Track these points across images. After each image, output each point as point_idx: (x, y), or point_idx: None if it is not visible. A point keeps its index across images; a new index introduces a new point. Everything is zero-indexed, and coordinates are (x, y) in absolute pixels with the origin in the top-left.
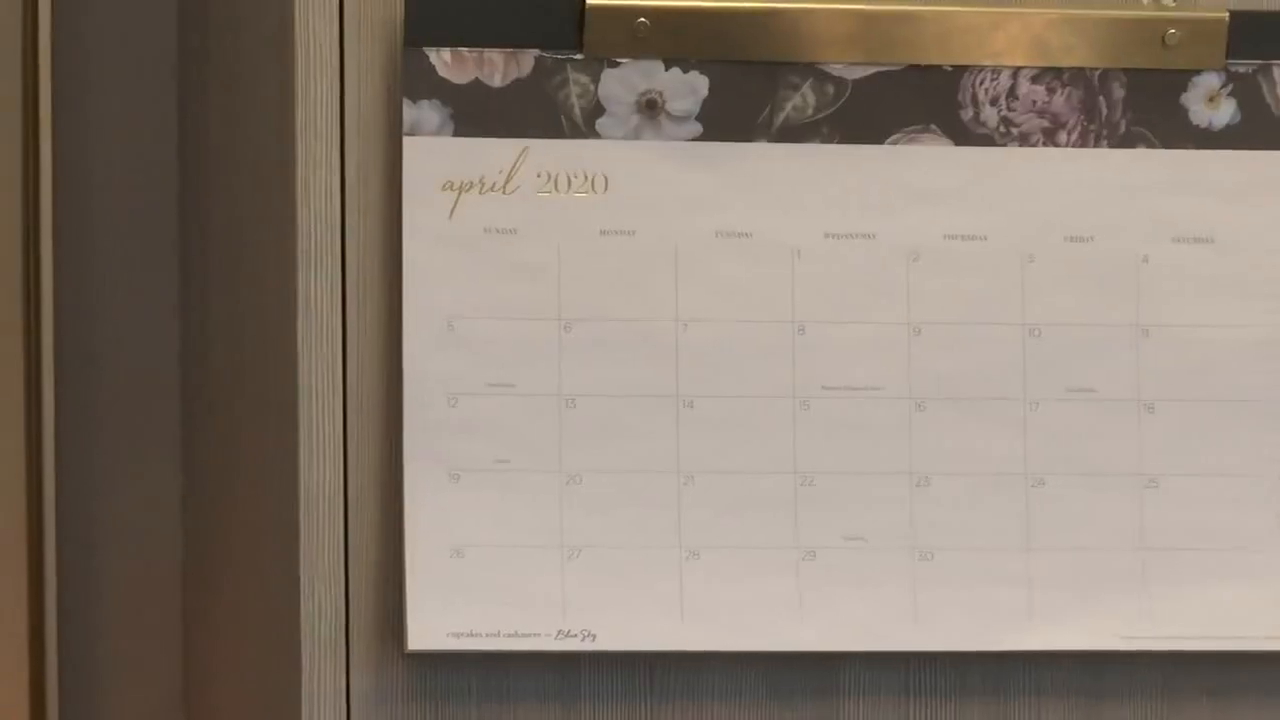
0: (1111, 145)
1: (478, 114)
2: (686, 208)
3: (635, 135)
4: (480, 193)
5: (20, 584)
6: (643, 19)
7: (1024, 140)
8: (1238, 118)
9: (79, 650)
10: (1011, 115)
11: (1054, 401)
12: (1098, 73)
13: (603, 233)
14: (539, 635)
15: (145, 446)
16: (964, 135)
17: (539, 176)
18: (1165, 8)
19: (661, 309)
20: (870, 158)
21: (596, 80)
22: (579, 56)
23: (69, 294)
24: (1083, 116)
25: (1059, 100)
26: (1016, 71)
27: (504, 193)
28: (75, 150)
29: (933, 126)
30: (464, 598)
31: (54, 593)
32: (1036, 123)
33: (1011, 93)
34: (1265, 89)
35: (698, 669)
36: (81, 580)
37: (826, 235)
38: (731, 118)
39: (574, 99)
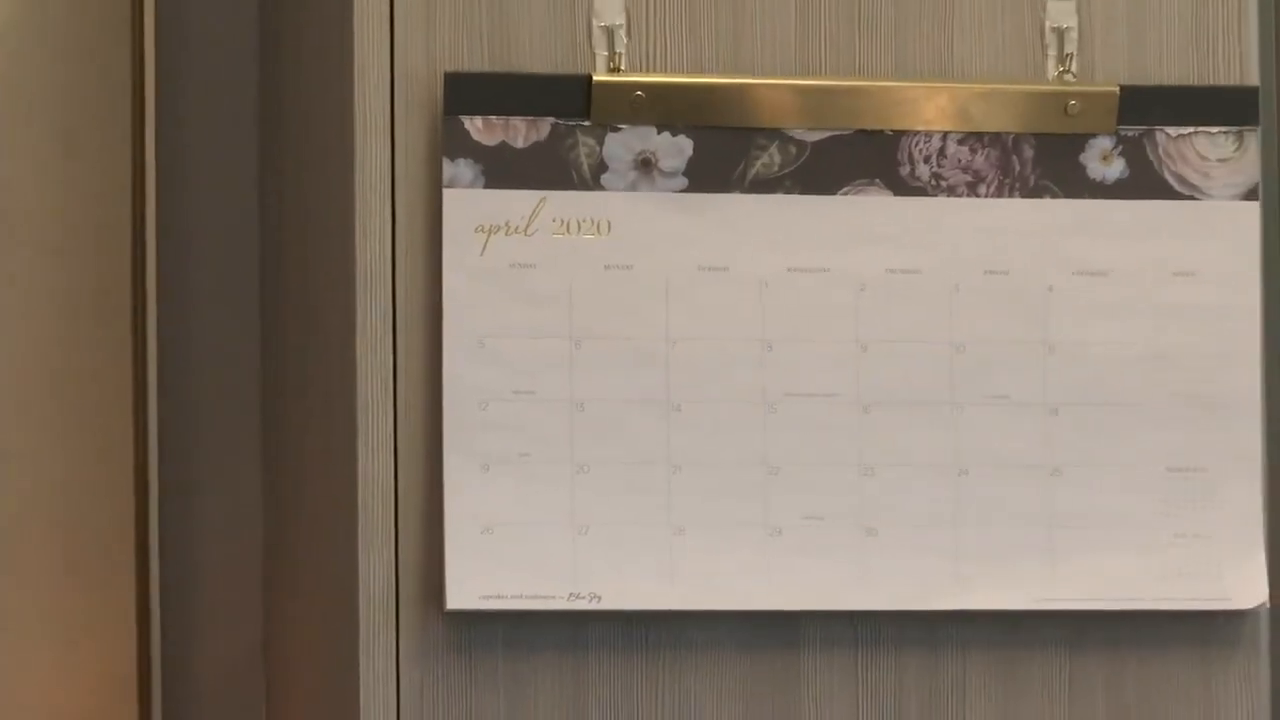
0: (1023, 196)
1: (504, 170)
2: (675, 246)
3: (633, 187)
4: (506, 235)
5: (129, 553)
6: (639, 92)
7: (951, 192)
8: (1126, 173)
9: (179, 607)
10: (941, 171)
11: (976, 405)
12: (1011, 136)
13: (606, 267)
14: (554, 597)
15: (234, 443)
16: (902, 187)
17: (554, 221)
18: (1067, 83)
19: (654, 329)
20: (825, 206)
21: (601, 143)
22: (587, 123)
23: (170, 322)
24: (999, 172)
25: (980, 159)
26: (945, 135)
27: (525, 235)
28: (175, 199)
29: (876, 180)
30: (493, 567)
31: (157, 561)
32: (961, 177)
33: (941, 153)
34: (1149, 149)
35: (684, 625)
36: (181, 553)
37: (789, 269)
38: (712, 173)
39: (583, 158)
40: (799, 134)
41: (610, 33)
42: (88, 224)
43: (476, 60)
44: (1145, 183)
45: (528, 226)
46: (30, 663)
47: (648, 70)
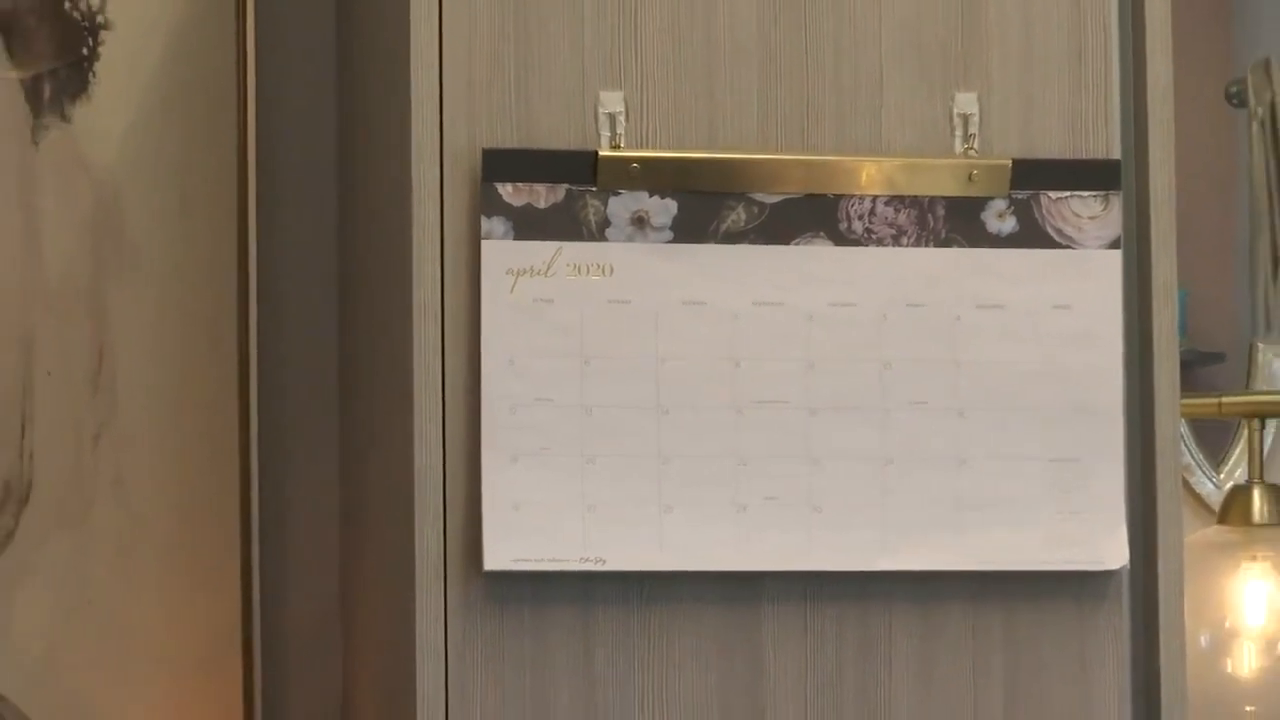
0: (936, 245)
1: (529, 226)
2: (663, 286)
3: (630, 239)
4: (531, 276)
5: (234, 525)
6: (635, 165)
7: (880, 242)
8: (1017, 228)
9: (273, 569)
10: (872, 226)
11: (900, 410)
12: (927, 199)
13: (609, 301)
14: (568, 560)
15: (317, 439)
16: (841, 239)
17: (568, 266)
18: (970, 157)
19: (647, 351)
20: (780, 253)
21: (605, 204)
22: (594, 189)
23: (268, 342)
24: (917, 227)
25: (902, 217)
26: (875, 198)
27: (546, 276)
28: (271, 246)
29: (821, 233)
30: (520, 536)
31: (256, 533)
32: (888, 231)
33: (872, 212)
34: (1034, 209)
35: (670, 582)
36: (275, 526)
37: (754, 303)
38: (692, 228)
39: (591, 216)
40: (760, 197)
41: (612, 118)
42: (200, 267)
43: (508, 139)
44: (1031, 235)
45: (548, 270)
46: (153, 617)
47: (641, 147)
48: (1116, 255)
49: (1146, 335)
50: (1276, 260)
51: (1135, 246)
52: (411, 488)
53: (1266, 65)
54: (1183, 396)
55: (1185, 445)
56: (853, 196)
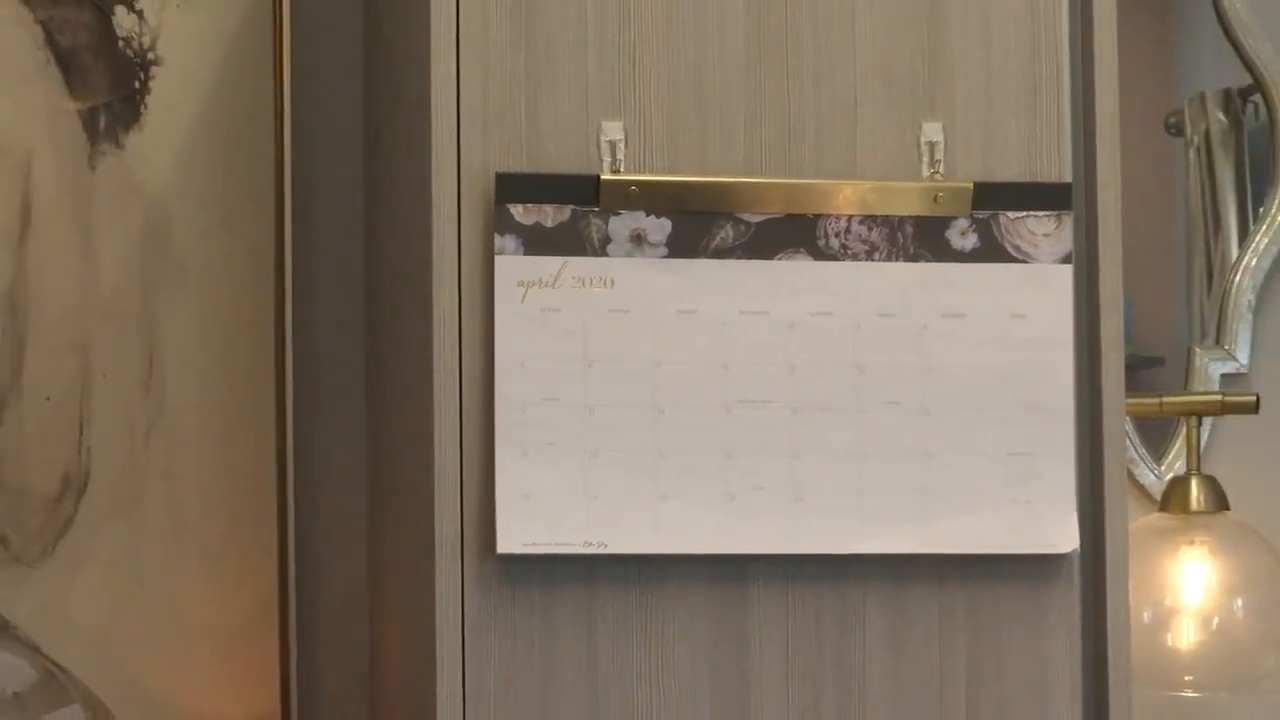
0: (905, 260)
1: (538, 243)
2: (659, 297)
3: (629, 255)
4: (539, 288)
5: (272, 509)
6: (633, 187)
7: (855, 257)
8: (979, 244)
9: (308, 549)
10: (847, 243)
11: (873, 410)
12: (897, 218)
13: (610, 311)
14: (573, 544)
15: (347, 433)
16: (820, 254)
17: (573, 279)
18: (936, 181)
19: (645, 356)
20: (765, 268)
21: (607, 223)
22: (596, 209)
23: (301, 344)
24: (888, 244)
25: (874, 234)
26: (850, 218)
27: (553, 288)
28: (305, 260)
29: (801, 249)
30: (530, 523)
31: (293, 515)
32: (862, 247)
33: (847, 230)
34: (994, 227)
35: (665, 564)
36: (309, 509)
37: (740, 312)
38: (685, 244)
39: (593, 234)
40: (746, 216)
41: (613, 145)
42: (241, 279)
43: (519, 164)
44: (991, 251)
45: (555, 282)
46: (198, 595)
47: (639, 171)
48: (1068, 269)
49: (1095, 341)
50: (1210, 274)
51: (1084, 261)
52: (431, 479)
53: (1202, 99)
54: (1127, 396)
55: (1130, 440)
56: (830, 216)
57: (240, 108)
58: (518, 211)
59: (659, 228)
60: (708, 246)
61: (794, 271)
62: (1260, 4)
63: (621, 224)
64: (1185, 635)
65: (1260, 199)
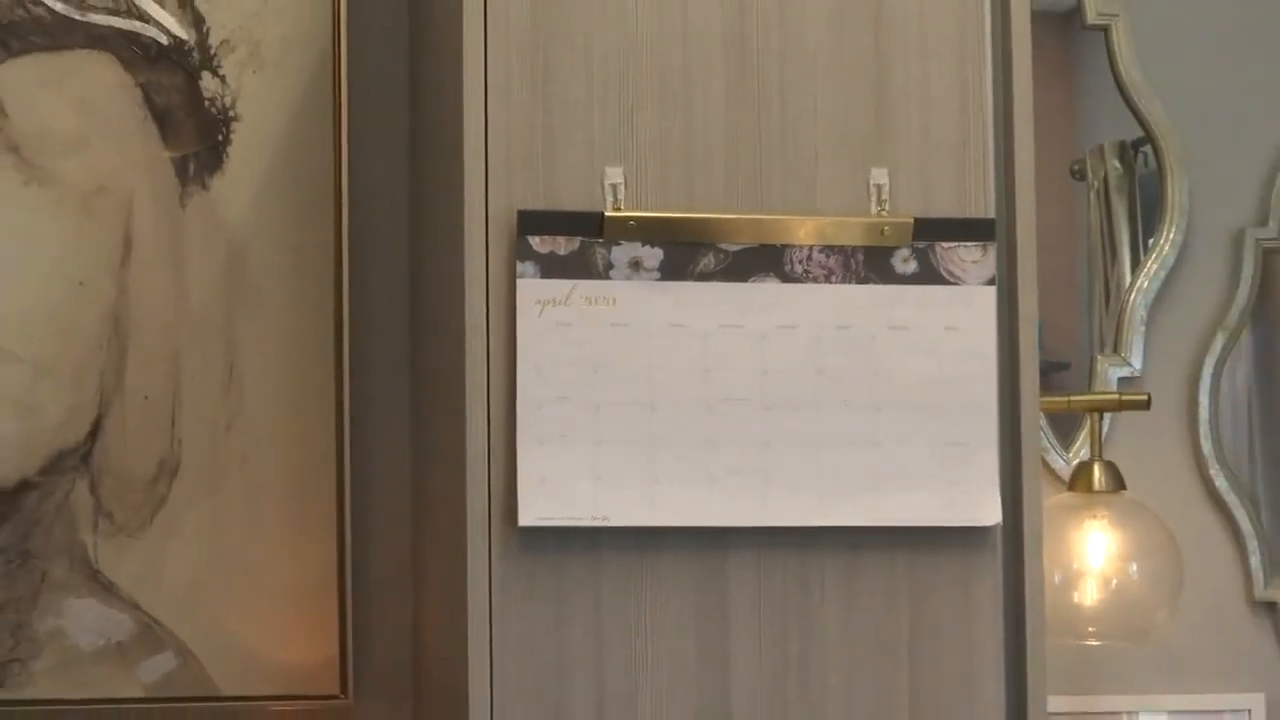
0: (857, 283)
1: (552, 268)
2: (653, 313)
3: (628, 278)
4: (554, 306)
5: (332, 487)
6: (632, 222)
7: (815, 280)
8: (918, 270)
9: (362, 522)
10: (809, 268)
11: (830, 407)
12: (850, 248)
13: (613, 325)
14: (581, 518)
15: (394, 423)
16: (787, 278)
17: (582, 298)
18: (882, 217)
19: (641, 362)
20: (741, 289)
21: (610, 251)
22: (601, 240)
23: (357, 347)
24: (843, 269)
25: (832, 261)
26: (811, 247)
27: (565, 306)
28: (360, 278)
29: (771, 274)
30: (546, 500)
31: (349, 496)
32: (821, 271)
33: (809, 257)
34: (931, 255)
35: (659, 535)
36: (363, 489)
37: (720, 326)
38: (674, 269)
39: (599, 260)
40: (725, 246)
41: (615, 187)
42: (306, 301)
43: (537, 202)
44: (928, 275)
45: (566, 301)
46: (269, 561)
47: (637, 209)
48: (992, 290)
49: (1014, 350)
50: (1108, 295)
51: (1005, 284)
52: (464, 464)
53: (1101, 149)
54: (1041, 396)
55: (1043, 432)
56: (794, 246)
57: (306, 156)
58: (536, 242)
59: (653, 256)
60: (693, 271)
61: (764, 292)
62: (1150, 69)
63: (622, 253)
64: (1089, 594)
65: (1150, 233)
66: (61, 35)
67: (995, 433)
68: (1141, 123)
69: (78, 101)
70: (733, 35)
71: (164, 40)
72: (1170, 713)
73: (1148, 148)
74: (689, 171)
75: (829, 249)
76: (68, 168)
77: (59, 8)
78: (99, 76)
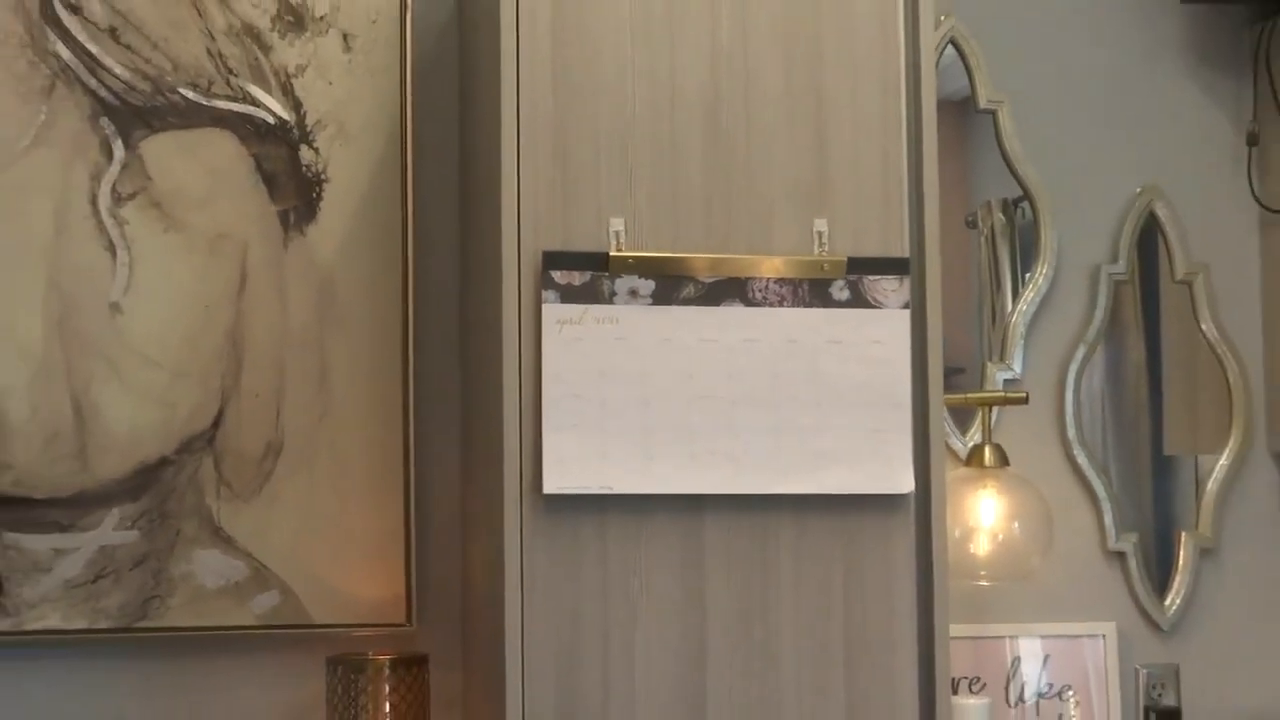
0: (803, 307)
1: (569, 295)
2: (647, 330)
3: (628, 303)
4: (571, 325)
5: (399, 469)
6: (630, 260)
7: (771, 305)
8: (850, 297)
9: (423, 494)
10: (766, 295)
11: (784, 403)
12: (798, 280)
13: (615, 339)
14: (591, 487)
15: (447, 414)
16: (750, 303)
17: (594, 319)
18: (822, 256)
19: (638, 368)
20: (714, 311)
21: (613, 282)
22: (606, 274)
23: (422, 357)
24: (792, 296)
25: (784, 290)
26: (768, 280)
27: (579, 325)
28: (424, 307)
29: (737, 300)
30: (565, 473)
31: (414, 472)
32: (776, 298)
33: (767, 287)
34: (860, 286)
35: (652, 500)
36: (425, 467)
37: (699, 340)
38: (664, 296)
39: (605, 289)
40: (702, 278)
41: (617, 233)
42: (381, 320)
43: (558, 244)
44: (859, 301)
45: (580, 320)
46: (352, 523)
47: (634, 250)
48: (906, 313)
49: (923, 359)
50: (994, 317)
51: (917, 308)
52: (502, 446)
53: (989, 205)
54: (945, 394)
55: (946, 421)
56: (755, 278)
57: (380, 209)
58: (556, 275)
59: (646, 286)
60: (678, 297)
61: (732, 314)
62: (1026, 142)
63: (623, 283)
64: (981, 545)
65: (1026, 269)
66: (193, 117)
67: (909, 422)
68: (1020, 184)
69: (205, 168)
70: (708, 114)
71: (271, 121)
72: (1043, 637)
73: (1025, 203)
74: (674, 221)
75: (782, 281)
76: (197, 219)
77: (191, 95)
78: (221, 148)
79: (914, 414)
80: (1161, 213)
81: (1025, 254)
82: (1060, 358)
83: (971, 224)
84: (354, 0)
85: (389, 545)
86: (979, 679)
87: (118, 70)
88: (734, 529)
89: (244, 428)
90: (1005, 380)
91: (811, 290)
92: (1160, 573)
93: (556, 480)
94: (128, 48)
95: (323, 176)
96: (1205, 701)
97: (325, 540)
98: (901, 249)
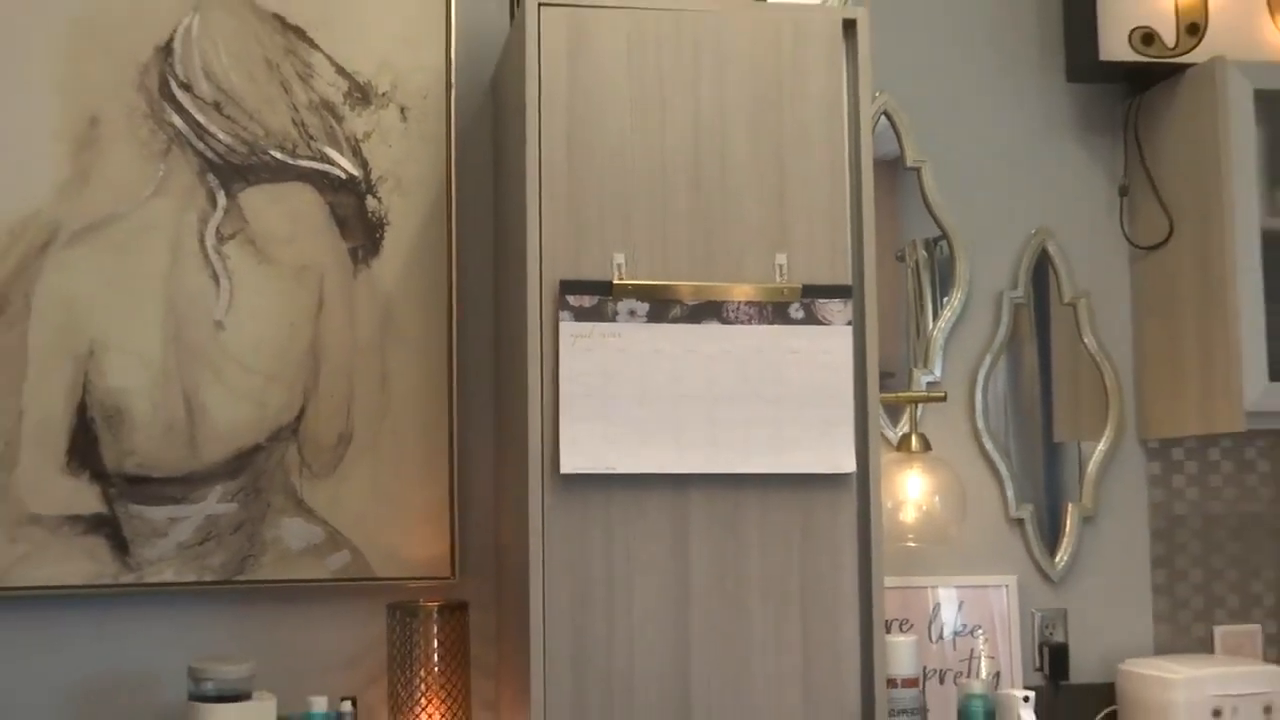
0: (767, 324)
1: (581, 315)
2: (643, 342)
3: (628, 321)
4: (582, 338)
5: (445, 451)
6: (629, 287)
7: (742, 322)
8: (804, 316)
9: (465, 472)
10: (739, 315)
11: (753, 400)
12: (763, 302)
13: (618, 350)
14: (599, 467)
15: (483, 412)
16: (725, 321)
17: (600, 334)
18: (782, 284)
19: (635, 373)
20: (696, 328)
21: (616, 305)
22: (610, 297)
23: (463, 363)
24: (759, 316)
25: (752, 311)
26: (740, 302)
27: (589, 339)
28: (465, 328)
29: (715, 319)
30: (578, 456)
31: (457, 455)
32: (746, 317)
33: (738, 308)
34: (813, 307)
35: (646, 478)
36: (466, 451)
37: (685, 350)
38: (656, 316)
39: (609, 310)
40: (687, 301)
41: (619, 265)
42: (431, 335)
43: (571, 274)
44: (811, 319)
45: (590, 335)
46: (406, 495)
47: (632, 279)
48: (849, 329)
49: (862, 366)
50: (919, 332)
51: (857, 326)
52: (527, 434)
53: (914, 242)
54: (880, 394)
55: (880, 415)
56: (730, 302)
57: (430, 247)
58: (571, 299)
59: (642, 307)
60: (667, 317)
61: (711, 330)
62: (944, 193)
63: (623, 305)
64: (909, 514)
65: (944, 295)
66: (281, 173)
67: (851, 416)
68: (939, 227)
69: (290, 213)
70: (690, 173)
71: (343, 176)
72: (958, 587)
73: (943, 242)
74: (664, 256)
75: (751, 303)
76: (284, 254)
77: (279, 156)
78: (303, 198)
79: (855, 409)
80: (1051, 249)
81: (943, 282)
82: (971, 365)
83: (900, 258)
84: (409, 80)
85: (437, 514)
86: (907, 620)
87: (221, 136)
88: (712, 501)
89: (321, 421)
90: (927, 382)
91: (774, 311)
92: (1051, 536)
93: (571, 462)
94: (229, 118)
95: (384, 220)
96: (1086, 637)
97: (386, 510)
98: (845, 278)
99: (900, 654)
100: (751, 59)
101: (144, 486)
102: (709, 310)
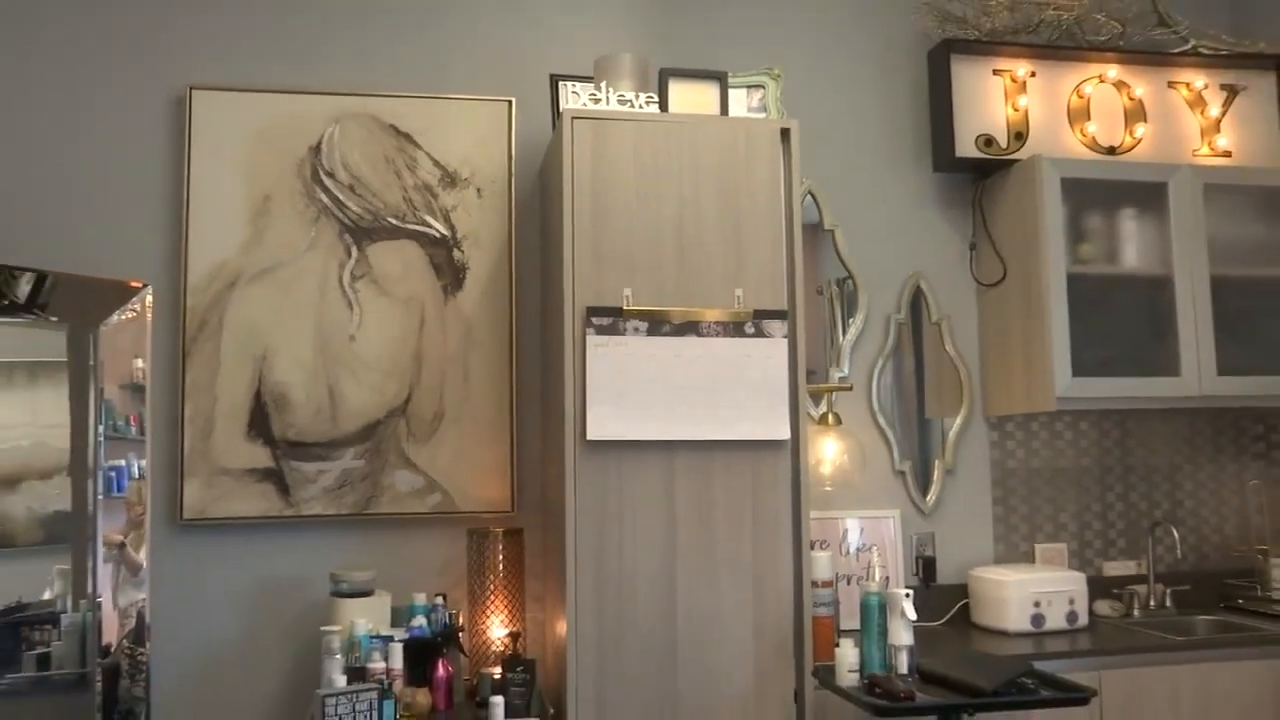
0: (729, 338)
1: (601, 331)
2: (643, 349)
3: (633, 335)
4: (602, 348)
5: (507, 423)
6: (634, 310)
7: (714, 336)
8: (755, 331)
9: (523, 441)
10: (711, 331)
11: (720, 390)
12: (725, 322)
13: (625, 355)
14: (614, 436)
15: (534, 398)
16: (701, 335)
17: (615, 344)
18: (739, 309)
19: (638, 373)
20: (681, 341)
21: (625, 323)
22: (621, 318)
23: (520, 367)
24: (724, 331)
25: (719, 329)
26: (711, 322)
27: (607, 348)
28: (519, 334)
29: (694, 334)
30: (599, 428)
31: (516, 428)
32: (716, 333)
33: (710, 327)
34: (761, 325)
35: (645, 444)
36: (522, 427)
37: (673, 355)
38: (653, 331)
39: (620, 327)
40: (674, 321)
41: (627, 296)
42: (499, 344)
43: (595, 301)
44: (760, 334)
45: (607, 345)
46: (482, 451)
47: (636, 305)
48: (785, 341)
49: (794, 366)
50: (832, 343)
51: (791, 338)
52: (564, 413)
53: (829, 282)
54: (807, 385)
55: (807, 400)
56: (703, 322)
57: (498, 284)
58: (595, 320)
59: (643, 325)
60: (660, 331)
61: (691, 342)
62: (851, 246)
63: (630, 323)
64: (827, 468)
65: (850, 317)
66: (395, 234)
67: (787, 400)
68: (846, 270)
69: (401, 261)
70: (676, 233)
71: (438, 236)
72: (860, 519)
73: (849, 280)
74: (659, 289)
75: (718, 323)
76: (397, 289)
77: (393, 221)
78: (410, 251)
79: (789, 396)
80: (923, 285)
81: (849, 309)
82: (869, 365)
83: (820, 292)
84: (482, 170)
85: (501, 467)
86: (825, 541)
87: (353, 208)
88: (691, 459)
89: (422, 404)
90: (839, 377)
91: (734, 328)
92: (923, 483)
93: (595, 431)
94: (359, 196)
95: (466, 266)
96: (948, 552)
97: (466, 465)
98: (783, 305)
99: (820, 564)
100: (718, 155)
101: (300, 449)
102: (689, 327)
